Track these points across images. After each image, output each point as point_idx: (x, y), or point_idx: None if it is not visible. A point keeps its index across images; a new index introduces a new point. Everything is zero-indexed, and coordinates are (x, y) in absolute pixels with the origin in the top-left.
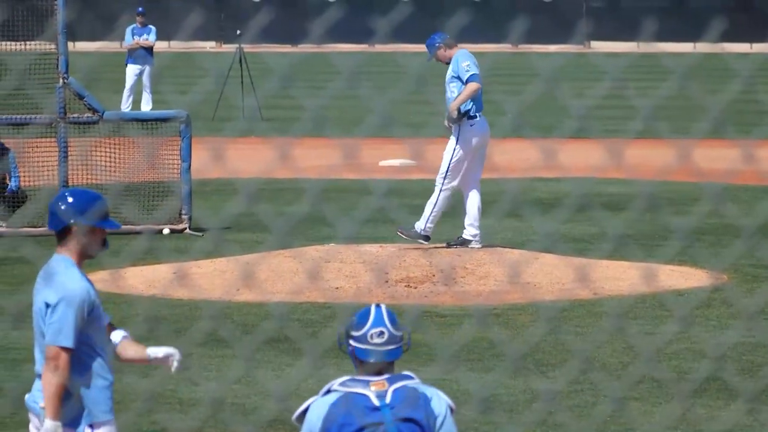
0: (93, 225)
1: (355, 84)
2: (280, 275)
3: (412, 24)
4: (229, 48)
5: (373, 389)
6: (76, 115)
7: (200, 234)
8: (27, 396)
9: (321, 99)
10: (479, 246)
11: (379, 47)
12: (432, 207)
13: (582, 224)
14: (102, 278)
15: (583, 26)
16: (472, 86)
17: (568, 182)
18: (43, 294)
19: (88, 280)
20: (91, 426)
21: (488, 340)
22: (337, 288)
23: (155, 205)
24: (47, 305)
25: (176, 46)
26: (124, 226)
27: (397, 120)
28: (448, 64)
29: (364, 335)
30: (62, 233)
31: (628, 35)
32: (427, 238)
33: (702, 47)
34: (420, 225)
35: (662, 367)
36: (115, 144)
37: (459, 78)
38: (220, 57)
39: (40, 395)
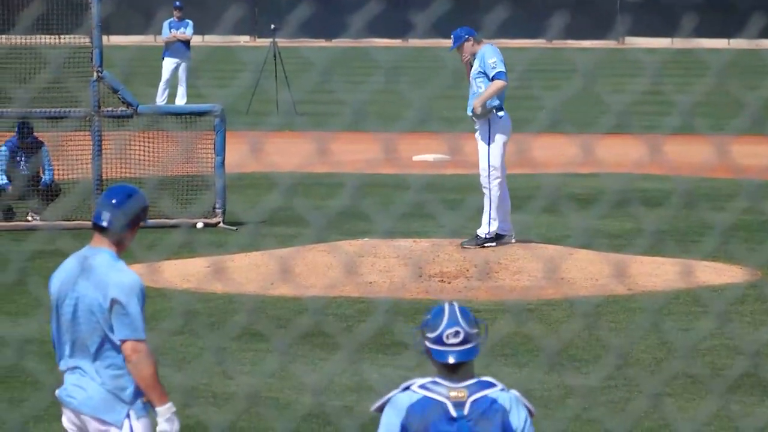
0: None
1: (393, 78)
2: (315, 269)
3: (450, 19)
4: (264, 42)
5: (452, 397)
6: (110, 109)
7: (234, 228)
8: (58, 390)
9: (358, 93)
10: (513, 241)
11: (414, 42)
12: (489, 209)
13: (618, 220)
14: (137, 272)
15: (619, 22)
16: (498, 84)
17: (604, 178)
18: (100, 289)
19: None
20: (128, 416)
21: (522, 335)
22: (371, 282)
23: (190, 198)
24: (114, 301)
25: (210, 40)
26: (159, 220)
27: (432, 115)
28: (473, 57)
29: (440, 336)
30: (121, 231)
31: (663, 31)
32: (492, 239)
33: (737, 43)
34: (483, 231)
35: (697, 363)
36: (149, 138)
37: (485, 74)
38: (254, 51)
39: (75, 389)
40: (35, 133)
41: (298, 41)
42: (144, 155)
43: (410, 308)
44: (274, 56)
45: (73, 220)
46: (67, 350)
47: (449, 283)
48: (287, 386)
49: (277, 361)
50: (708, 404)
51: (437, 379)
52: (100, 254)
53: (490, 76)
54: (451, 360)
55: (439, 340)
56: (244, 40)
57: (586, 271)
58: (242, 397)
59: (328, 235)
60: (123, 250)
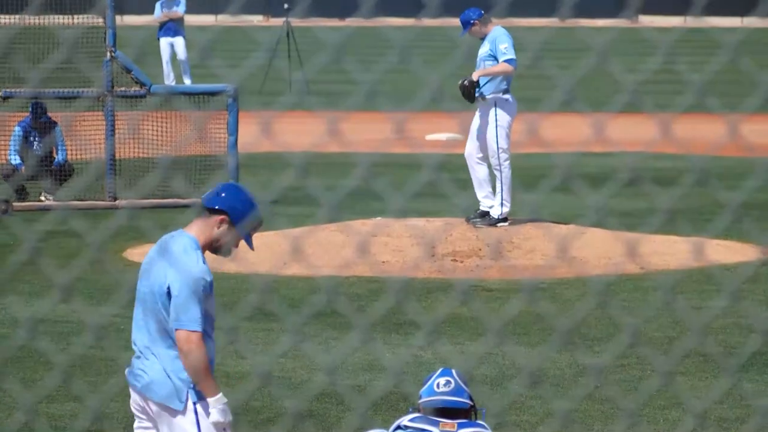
0: (239, 233)
1: (405, 58)
2: (327, 249)
3: None
4: (277, 22)
5: (442, 426)
6: (123, 89)
7: None
8: (127, 371)
9: (370, 73)
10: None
11: (426, 21)
12: (501, 189)
13: (631, 199)
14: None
15: (632, 1)
16: (506, 67)
17: (617, 157)
18: (165, 273)
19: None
20: (195, 403)
21: (535, 315)
22: (384, 262)
23: (203, 178)
24: (170, 287)
25: (223, 20)
26: (172, 200)
27: (445, 94)
28: (482, 39)
29: (431, 386)
30: (210, 214)
31: (676, 9)
32: (505, 219)
33: (750, 22)
34: (495, 212)
35: (709, 341)
36: (162, 118)
37: (496, 58)
38: (268, 31)
39: (139, 372)
40: (48, 114)
41: (311, 21)
42: (157, 135)
43: (423, 288)
44: (287, 36)
45: (86, 200)
46: (138, 331)
47: (462, 262)
48: (300, 366)
49: (289, 340)
50: (720, 383)
51: (428, 416)
52: (181, 238)
53: (500, 61)
54: (439, 406)
55: (430, 390)
56: (257, 19)
57: (598, 250)
58: (255, 376)
59: (341, 215)
60: (209, 246)
